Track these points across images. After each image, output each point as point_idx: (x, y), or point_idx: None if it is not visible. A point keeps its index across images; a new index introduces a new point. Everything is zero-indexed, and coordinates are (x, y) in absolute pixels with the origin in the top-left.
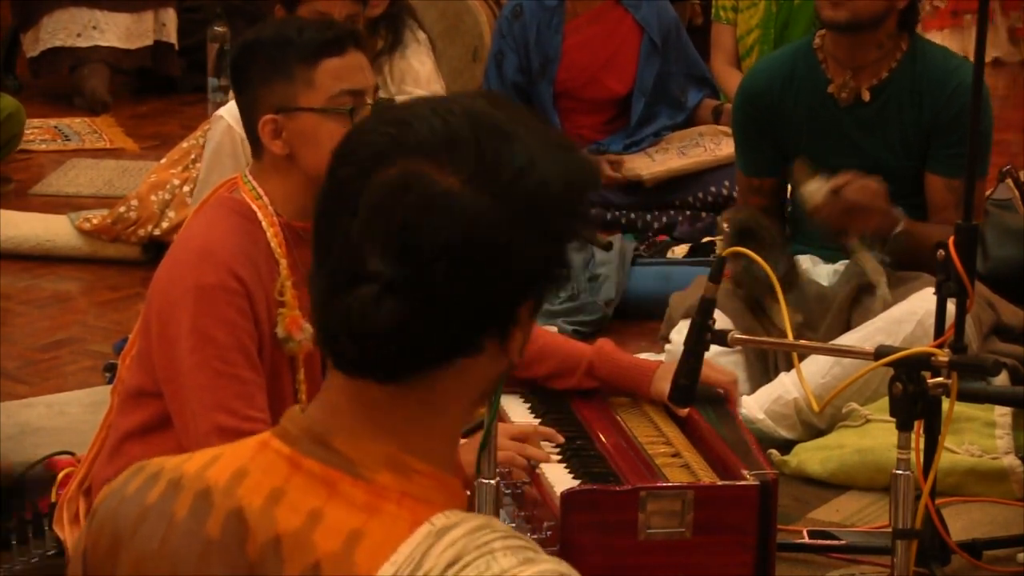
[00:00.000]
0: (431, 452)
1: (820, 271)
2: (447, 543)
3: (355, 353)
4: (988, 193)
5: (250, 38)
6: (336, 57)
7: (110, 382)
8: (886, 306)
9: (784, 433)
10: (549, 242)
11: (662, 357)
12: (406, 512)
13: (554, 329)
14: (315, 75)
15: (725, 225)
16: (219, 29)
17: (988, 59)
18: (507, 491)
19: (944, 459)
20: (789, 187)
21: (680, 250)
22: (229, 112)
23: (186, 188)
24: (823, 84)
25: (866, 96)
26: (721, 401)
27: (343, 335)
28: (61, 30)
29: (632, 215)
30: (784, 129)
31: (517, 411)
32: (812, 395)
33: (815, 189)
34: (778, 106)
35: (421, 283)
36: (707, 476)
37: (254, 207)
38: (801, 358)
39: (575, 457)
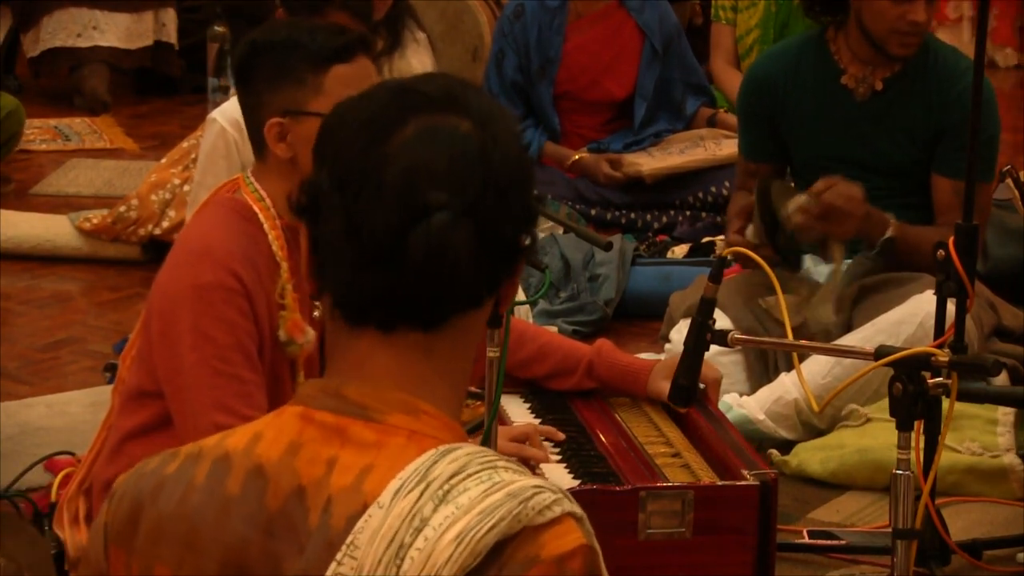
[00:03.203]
0: (442, 400)
1: (821, 271)
2: (451, 458)
3: (419, 288)
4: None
5: (259, 39)
6: (346, 64)
7: (110, 382)
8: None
9: (784, 434)
10: (533, 183)
11: (662, 357)
12: (413, 444)
13: (554, 329)
14: (325, 81)
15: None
16: (219, 29)
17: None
18: None
19: (944, 457)
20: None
21: (680, 250)
22: (222, 114)
23: (186, 188)
24: (835, 74)
25: (879, 86)
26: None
27: (413, 273)
28: (61, 30)
29: (632, 215)
30: (787, 117)
31: (517, 411)
32: (812, 395)
33: (795, 202)
34: (783, 94)
35: (480, 210)
36: (707, 476)
37: (255, 208)
38: (801, 358)
39: (575, 457)
